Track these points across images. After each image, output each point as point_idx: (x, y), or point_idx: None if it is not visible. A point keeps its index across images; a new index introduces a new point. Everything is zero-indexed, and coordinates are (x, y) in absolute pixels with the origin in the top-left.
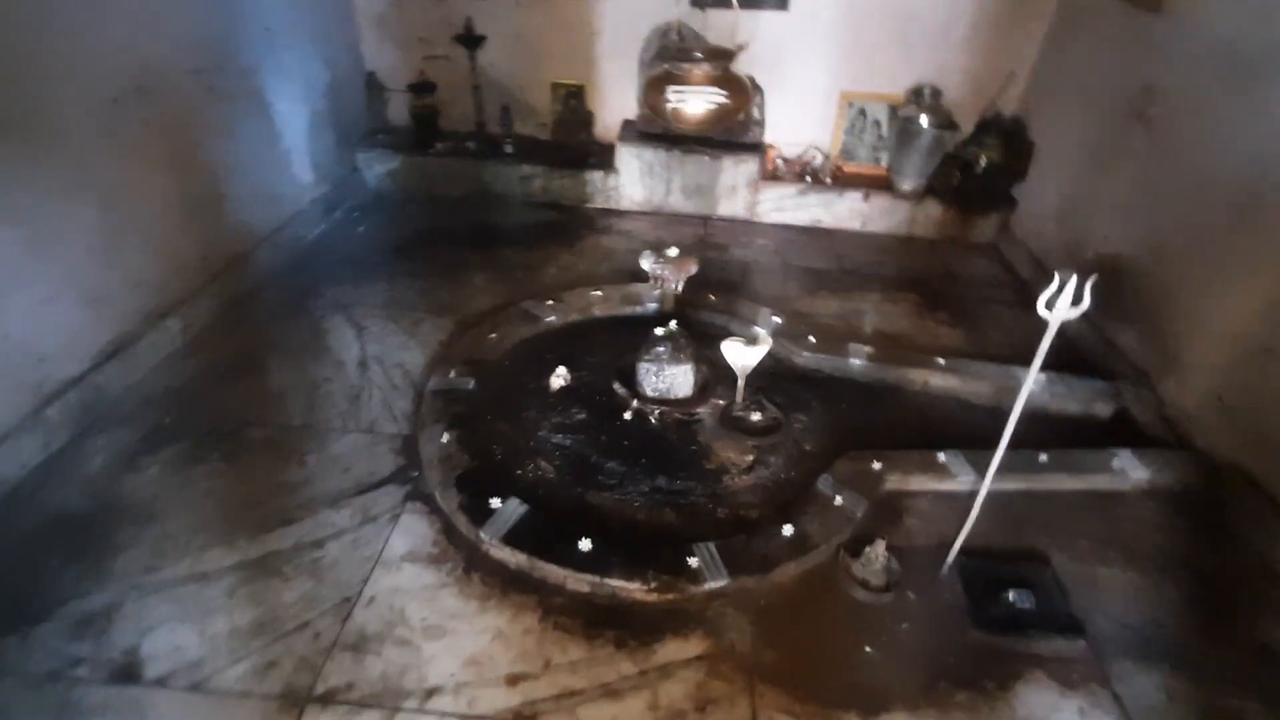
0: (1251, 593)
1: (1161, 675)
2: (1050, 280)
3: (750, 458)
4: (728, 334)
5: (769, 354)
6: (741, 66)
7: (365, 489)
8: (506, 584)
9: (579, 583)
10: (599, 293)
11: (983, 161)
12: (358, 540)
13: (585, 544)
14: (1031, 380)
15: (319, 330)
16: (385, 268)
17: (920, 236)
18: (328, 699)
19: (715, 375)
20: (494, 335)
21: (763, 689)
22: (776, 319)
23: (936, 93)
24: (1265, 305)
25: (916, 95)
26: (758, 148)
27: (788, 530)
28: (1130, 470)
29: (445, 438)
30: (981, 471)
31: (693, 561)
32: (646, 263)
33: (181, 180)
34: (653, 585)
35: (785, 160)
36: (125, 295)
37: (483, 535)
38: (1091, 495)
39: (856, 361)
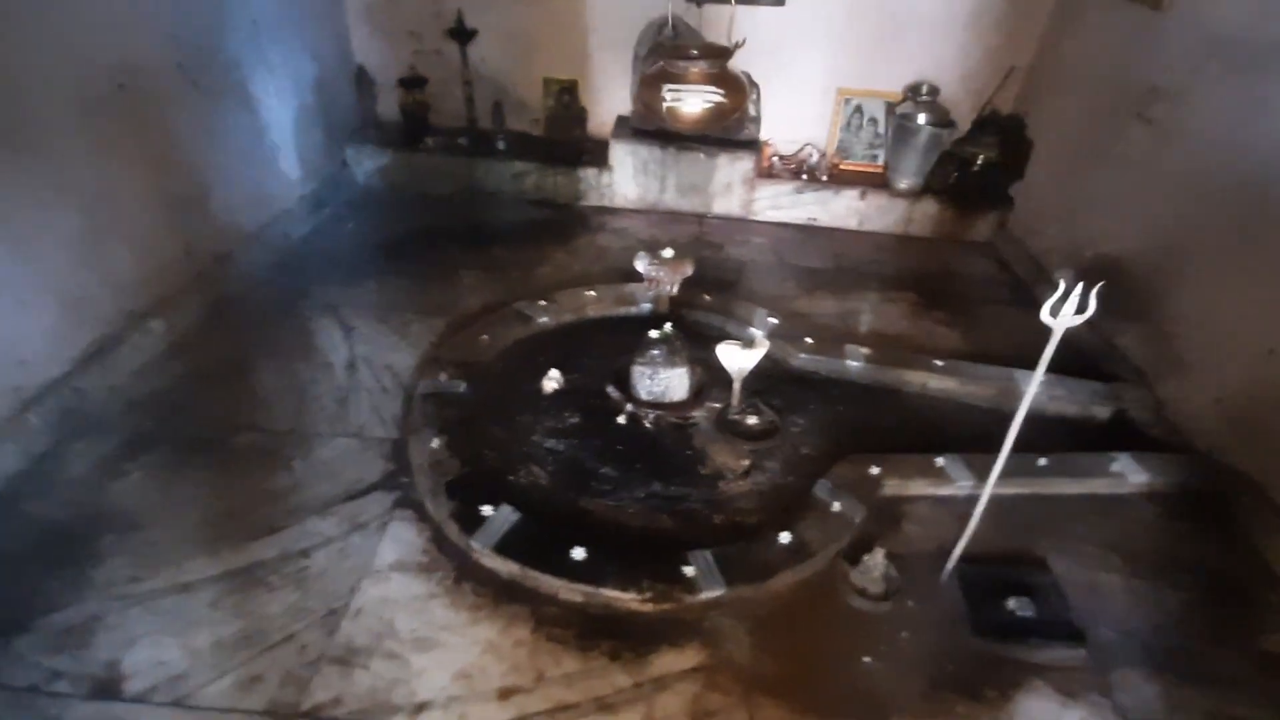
0: (1255, 598)
1: (1164, 684)
2: (1048, 280)
3: (747, 462)
4: (723, 335)
5: (765, 355)
6: (737, 62)
7: (353, 496)
8: (498, 594)
9: (572, 592)
10: (593, 293)
11: (980, 160)
12: (345, 549)
13: (579, 552)
14: (1035, 388)
15: (306, 331)
16: (374, 267)
17: (917, 235)
18: (314, 715)
19: (711, 378)
20: (486, 337)
21: (760, 700)
22: (773, 320)
23: (934, 90)
24: (1267, 306)
25: (914, 92)
26: (753, 145)
27: (785, 538)
28: (1130, 474)
29: (435, 443)
30: (980, 475)
31: (689, 570)
32: (641, 264)
33: (164, 178)
34: (648, 595)
35: (781, 158)
36: (106, 296)
37: (474, 544)
38: (1091, 499)
39: (854, 363)
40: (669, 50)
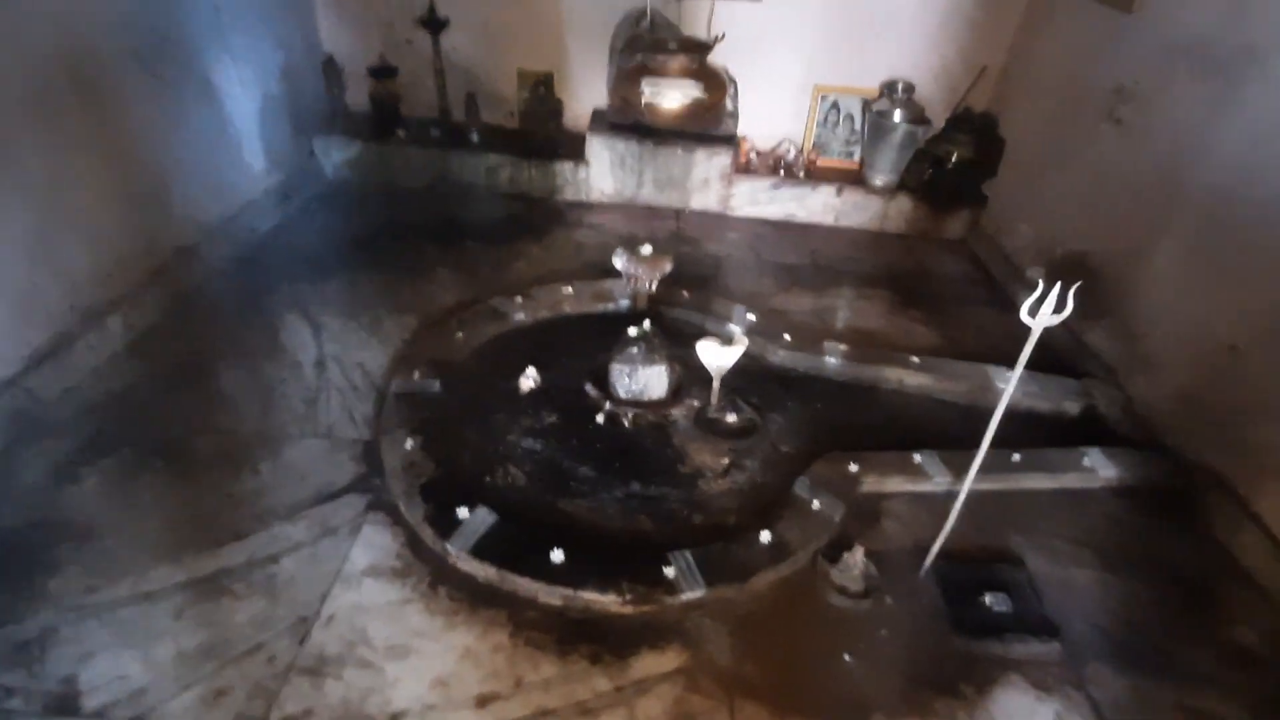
0: (1220, 590)
1: (1134, 676)
2: (1020, 277)
3: (726, 461)
4: (701, 332)
5: (744, 352)
6: (715, 57)
7: (323, 499)
8: (475, 598)
9: (551, 596)
10: (569, 290)
11: (954, 158)
12: (316, 555)
13: (558, 555)
14: (1013, 388)
15: (273, 329)
16: (344, 262)
17: (892, 232)
18: None
19: (689, 375)
20: (460, 334)
21: (742, 702)
22: (751, 316)
23: (909, 88)
24: (1231, 304)
25: (889, 89)
26: (731, 140)
27: (765, 537)
28: (1100, 469)
29: (409, 444)
30: (956, 472)
31: (669, 571)
32: (620, 261)
33: (121, 170)
34: (628, 597)
35: (759, 153)
36: (59, 293)
37: (450, 547)
38: (1063, 494)
39: (832, 360)
40: (648, 44)
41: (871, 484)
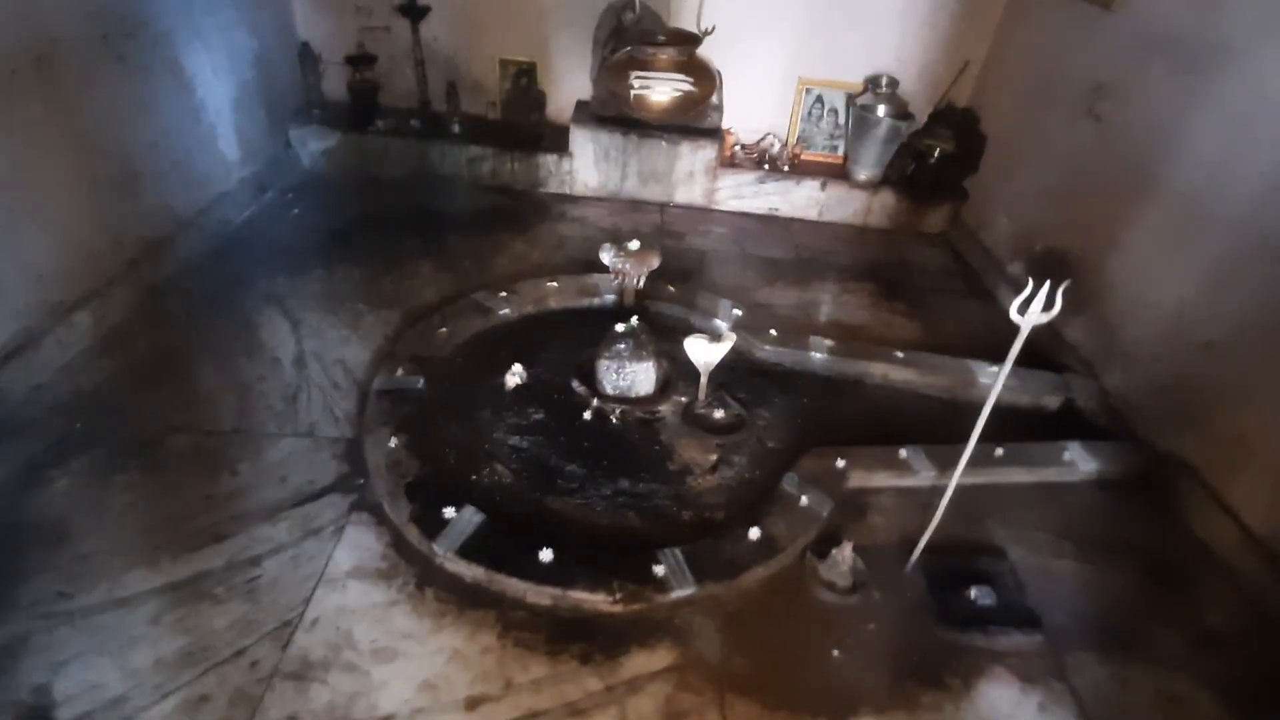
0: (1193, 578)
1: (1114, 665)
2: (1000, 271)
3: (714, 457)
4: (687, 327)
5: (730, 348)
6: (700, 49)
7: (305, 500)
8: (463, 599)
9: (540, 595)
10: (554, 284)
11: (936, 152)
12: (298, 556)
13: (546, 554)
14: (1000, 383)
15: (250, 324)
16: (322, 255)
17: (875, 226)
18: None
19: (676, 371)
20: (444, 329)
21: (732, 699)
22: (737, 311)
23: (893, 82)
24: (1207, 299)
25: (873, 84)
26: (716, 133)
27: (754, 533)
28: (1080, 462)
29: (393, 442)
30: (941, 466)
31: (658, 569)
32: (606, 256)
33: (89, 159)
34: (618, 596)
35: (743, 147)
36: (25, 287)
37: (436, 547)
38: (1044, 487)
39: (818, 355)
40: (636, 36)
41: (858, 479)
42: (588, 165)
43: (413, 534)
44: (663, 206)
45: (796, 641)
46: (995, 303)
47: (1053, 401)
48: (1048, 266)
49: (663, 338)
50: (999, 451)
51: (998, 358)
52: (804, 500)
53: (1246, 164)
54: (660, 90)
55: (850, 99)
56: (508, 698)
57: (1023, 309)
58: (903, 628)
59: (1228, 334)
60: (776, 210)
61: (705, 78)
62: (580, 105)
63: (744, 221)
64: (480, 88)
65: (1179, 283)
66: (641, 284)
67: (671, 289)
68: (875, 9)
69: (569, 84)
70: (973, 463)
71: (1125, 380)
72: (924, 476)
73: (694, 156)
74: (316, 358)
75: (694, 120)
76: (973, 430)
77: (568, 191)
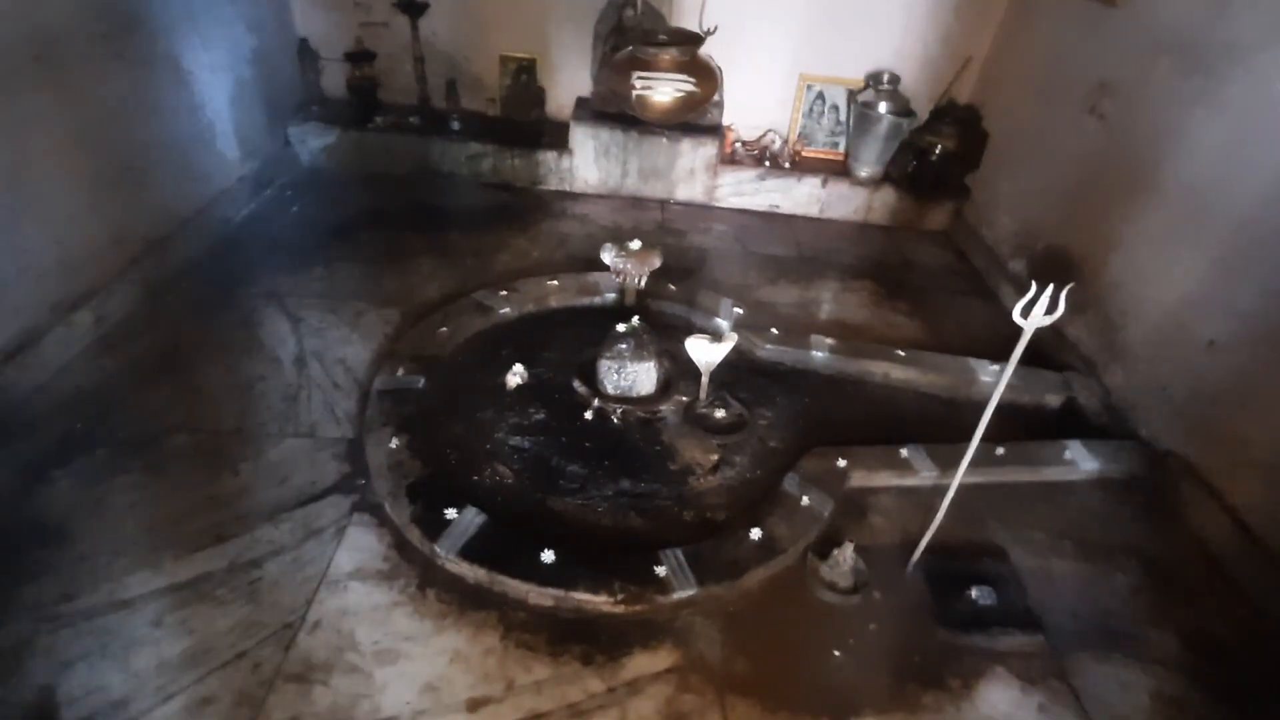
0: (1193, 580)
1: (1114, 666)
2: (1002, 270)
3: (715, 457)
4: (688, 326)
5: (732, 347)
6: (703, 49)
7: (306, 500)
8: (465, 600)
9: (542, 597)
10: (555, 282)
11: (938, 149)
12: (299, 558)
13: (548, 555)
14: (1002, 387)
15: (250, 323)
16: (322, 253)
17: (877, 224)
18: None
19: (678, 370)
20: (444, 329)
21: (733, 700)
22: (738, 310)
23: (895, 78)
24: (1211, 299)
25: (875, 80)
26: (716, 130)
27: (756, 534)
28: (1081, 461)
29: (394, 442)
30: (942, 466)
31: (660, 570)
32: (608, 256)
33: (89, 157)
34: (619, 597)
35: (744, 143)
36: (25, 286)
37: (438, 549)
38: (1045, 486)
39: (819, 354)
40: (638, 35)
41: (859, 479)
42: (588, 162)
43: (414, 535)
44: (663, 203)
45: (798, 642)
46: (997, 301)
47: (1054, 400)
48: (1050, 265)
49: (664, 337)
50: (1000, 451)
51: (999, 356)
52: (805, 500)
53: (1251, 164)
54: (663, 91)
55: (852, 95)
56: (509, 699)
57: (1026, 312)
58: (904, 628)
59: (1230, 334)
60: (777, 207)
61: (707, 78)
62: (580, 102)
63: (745, 219)
64: (480, 84)
65: (1181, 282)
66: (643, 283)
67: (673, 287)
68: (877, 4)
69: (569, 80)
70: (974, 462)
71: (1127, 379)
72: (925, 476)
73: (695, 153)
74: (317, 357)
75: (694, 117)
76: (974, 429)
77: (568, 188)
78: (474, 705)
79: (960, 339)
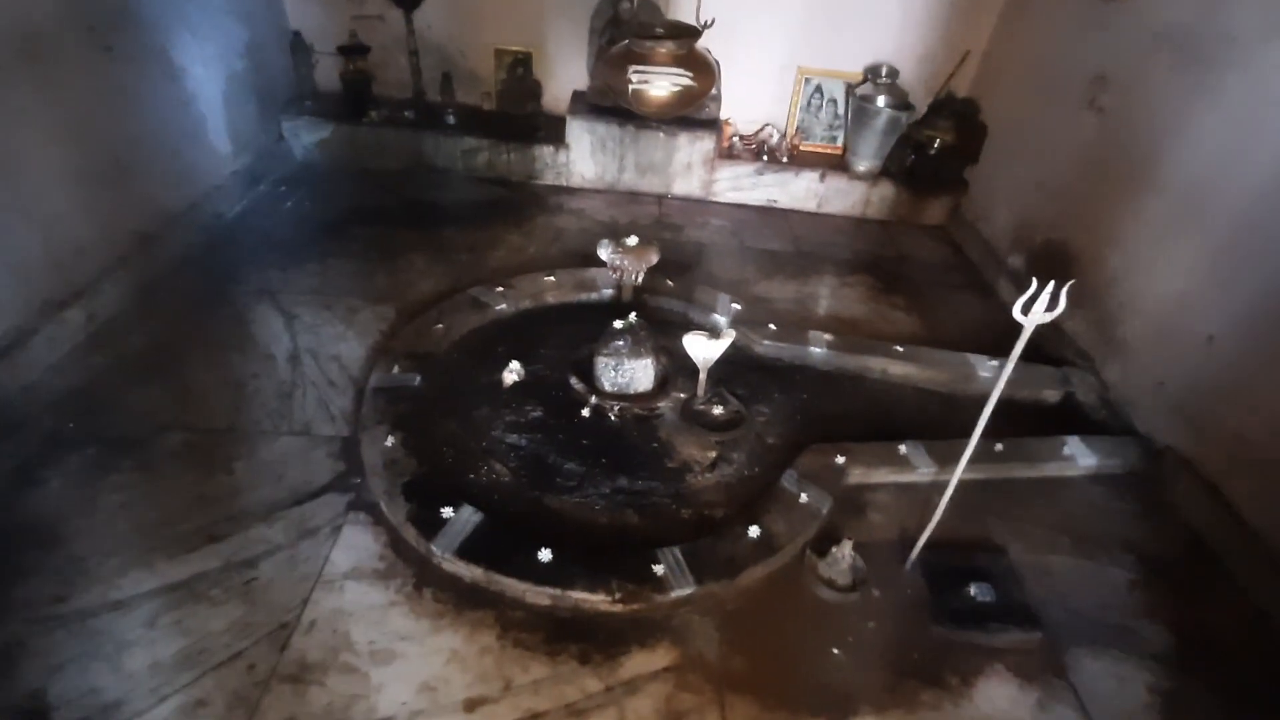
0: (1190, 574)
1: (1111, 662)
2: (1000, 264)
3: (713, 454)
4: (686, 322)
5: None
6: (700, 42)
7: (301, 499)
8: (461, 600)
9: (539, 595)
10: (551, 278)
11: (936, 143)
12: (294, 557)
13: (545, 554)
14: (1002, 384)
15: (243, 320)
16: (316, 248)
17: (874, 218)
18: None
19: (675, 367)
20: (440, 325)
21: (732, 699)
22: (736, 306)
23: (893, 72)
24: (1207, 294)
25: (873, 74)
26: (714, 124)
27: (754, 532)
28: (1079, 457)
29: (390, 440)
30: (941, 462)
31: (658, 569)
32: (605, 252)
33: (77, 153)
34: (617, 596)
35: (741, 138)
36: (12, 284)
37: (434, 548)
38: (1043, 482)
39: (817, 350)
40: (634, 28)
41: (858, 475)
42: (584, 156)
43: (410, 534)
44: (660, 198)
45: (796, 640)
46: (995, 296)
47: (1052, 395)
48: (1048, 259)
49: (661, 333)
50: (998, 447)
51: (997, 351)
52: (803, 497)
53: (1250, 158)
54: (659, 85)
55: (850, 89)
56: (507, 699)
57: (1026, 308)
58: (902, 625)
59: (1229, 329)
60: (775, 202)
61: (704, 72)
62: (577, 95)
63: (742, 213)
64: (475, 78)
65: (1180, 276)
66: (640, 280)
67: (670, 283)
68: None
69: (565, 74)
70: (972, 458)
71: (1125, 374)
72: (923, 473)
73: (692, 148)
74: (311, 354)
75: (692, 112)
76: (973, 425)
77: (564, 183)
78: (471, 705)
79: (957, 334)
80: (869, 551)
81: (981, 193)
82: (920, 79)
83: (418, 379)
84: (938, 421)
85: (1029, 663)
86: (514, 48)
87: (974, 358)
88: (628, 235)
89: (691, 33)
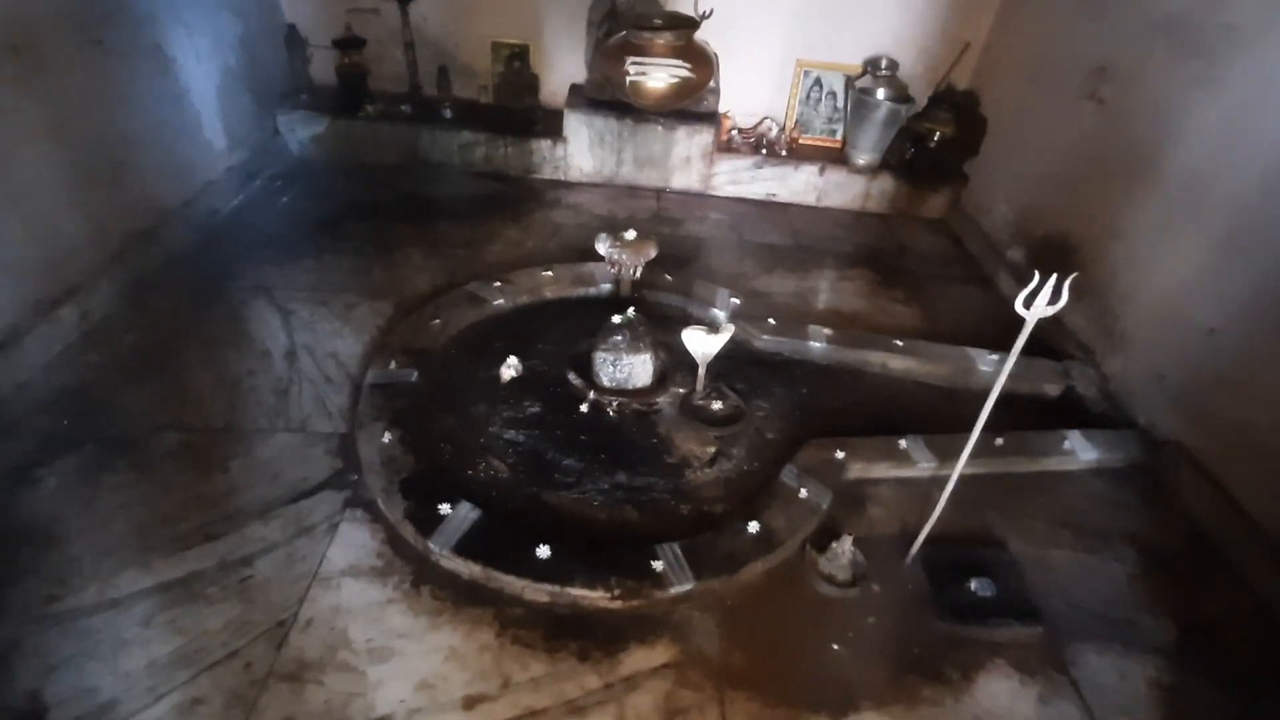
0: (1192, 567)
1: (1113, 656)
2: (1000, 257)
3: (712, 449)
4: (685, 316)
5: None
6: (699, 33)
7: (298, 497)
8: (459, 597)
9: (538, 592)
10: (549, 273)
11: (936, 136)
12: (291, 555)
13: (543, 550)
14: (1003, 379)
15: (239, 317)
16: (312, 244)
17: (874, 212)
18: None
19: (674, 362)
20: (437, 321)
21: (732, 695)
22: (735, 300)
23: (893, 64)
24: (1210, 285)
25: (873, 66)
26: (713, 117)
27: (754, 527)
28: (1080, 451)
29: (387, 437)
30: (941, 456)
31: (657, 565)
32: (602, 246)
33: (69, 149)
34: (616, 592)
35: (740, 131)
36: (3, 283)
37: (432, 545)
38: (1044, 476)
39: (816, 344)
40: (631, 19)
41: (858, 470)
42: (582, 150)
43: (408, 531)
44: (659, 192)
45: (796, 636)
46: (995, 289)
47: (1053, 389)
48: (1048, 252)
49: (660, 328)
50: (999, 441)
51: (998, 345)
52: (803, 492)
53: (1251, 149)
54: (657, 77)
55: (849, 81)
56: (505, 696)
57: (1028, 302)
58: (903, 620)
59: (1230, 320)
60: (774, 196)
61: (703, 63)
62: (574, 89)
63: (741, 207)
64: (472, 71)
65: (1181, 268)
66: (638, 274)
67: (669, 278)
68: None
69: (563, 67)
70: (973, 452)
71: (1126, 367)
72: (924, 467)
73: (690, 141)
74: (308, 351)
75: (690, 104)
76: (973, 419)
77: (562, 177)
78: (470, 703)
79: (957, 327)
80: (869, 546)
81: (981, 185)
82: (920, 71)
83: (415, 375)
84: (938, 416)
85: (1030, 657)
86: (511, 40)
87: (974, 351)
88: (626, 229)
89: (690, 24)
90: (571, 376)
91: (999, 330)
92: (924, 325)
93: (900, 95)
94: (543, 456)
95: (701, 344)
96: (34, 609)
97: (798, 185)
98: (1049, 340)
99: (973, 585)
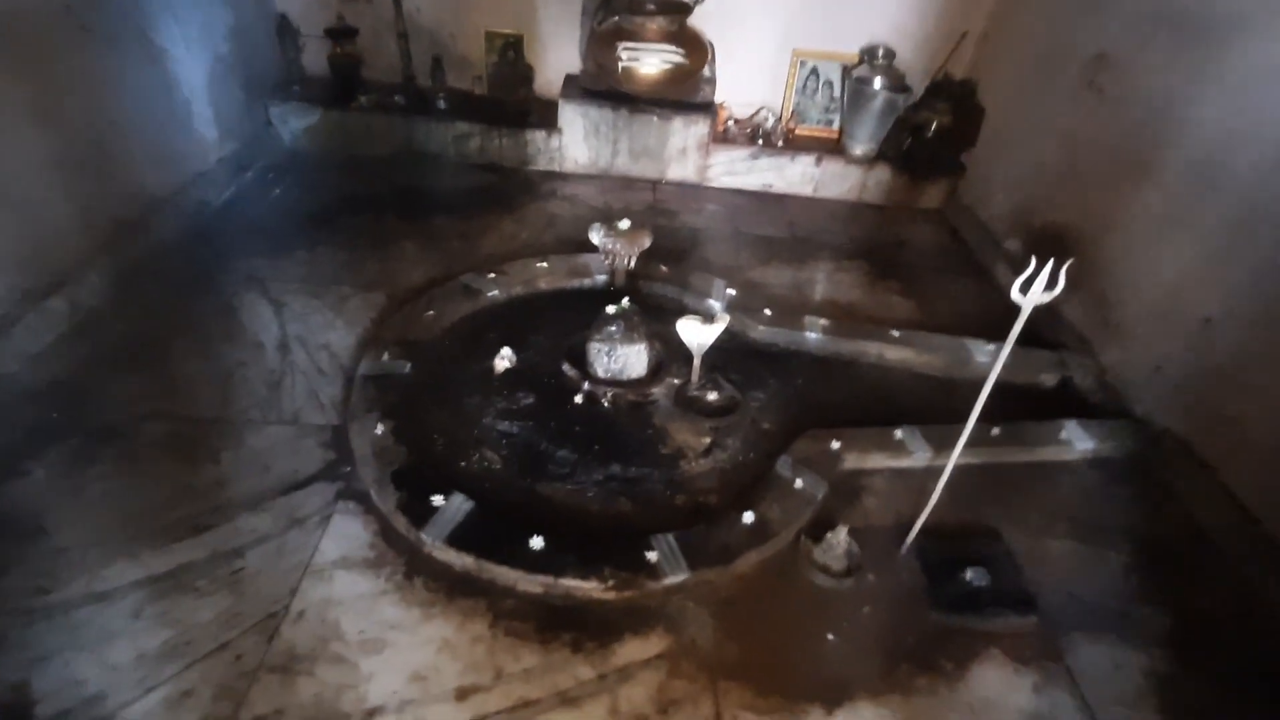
0: (1187, 558)
1: (1109, 645)
2: (997, 248)
3: (707, 440)
4: (680, 307)
5: (724, 329)
6: (692, 20)
7: (290, 488)
8: (452, 588)
9: (531, 584)
10: (544, 264)
11: (933, 126)
12: (283, 547)
13: (537, 541)
14: (999, 367)
15: (230, 308)
16: (305, 236)
17: (871, 202)
18: None
19: (669, 353)
20: (431, 312)
21: (726, 686)
22: (731, 291)
23: (890, 53)
24: (1205, 276)
25: (870, 55)
26: (709, 108)
27: (748, 518)
28: (1077, 441)
29: (380, 428)
30: (936, 447)
31: (651, 555)
32: (596, 236)
33: (56, 137)
34: (610, 583)
35: (736, 121)
36: None
37: (424, 536)
38: (1040, 466)
39: (812, 335)
40: (624, 4)
41: (853, 461)
42: (577, 141)
43: (400, 522)
44: (654, 184)
45: (790, 626)
46: (992, 280)
47: (1049, 379)
48: (1045, 242)
49: (655, 319)
50: (995, 431)
51: (994, 335)
52: (798, 483)
53: (1250, 139)
54: (649, 62)
55: (846, 71)
56: (498, 687)
57: (1024, 288)
58: (898, 611)
59: (1227, 311)
60: (770, 187)
61: (697, 49)
62: (569, 79)
63: (737, 198)
64: (466, 61)
65: (1179, 258)
66: (633, 264)
67: (664, 269)
68: None
69: (558, 57)
70: (968, 443)
71: (1123, 357)
72: (919, 458)
73: (686, 132)
74: (300, 342)
75: (686, 94)
76: (969, 409)
77: (557, 169)
78: (463, 694)
79: (954, 318)
80: (864, 537)
81: (979, 176)
82: (917, 60)
83: (408, 367)
84: (934, 406)
85: (1025, 647)
86: (505, 30)
87: (971, 342)
88: (620, 220)
89: (683, 8)
90: (566, 367)
91: (996, 321)
92: (920, 316)
93: (897, 85)
94: (536, 448)
95: (697, 335)
96: (21, 600)
97: (794, 176)
98: (1045, 331)
99: (968, 575)
